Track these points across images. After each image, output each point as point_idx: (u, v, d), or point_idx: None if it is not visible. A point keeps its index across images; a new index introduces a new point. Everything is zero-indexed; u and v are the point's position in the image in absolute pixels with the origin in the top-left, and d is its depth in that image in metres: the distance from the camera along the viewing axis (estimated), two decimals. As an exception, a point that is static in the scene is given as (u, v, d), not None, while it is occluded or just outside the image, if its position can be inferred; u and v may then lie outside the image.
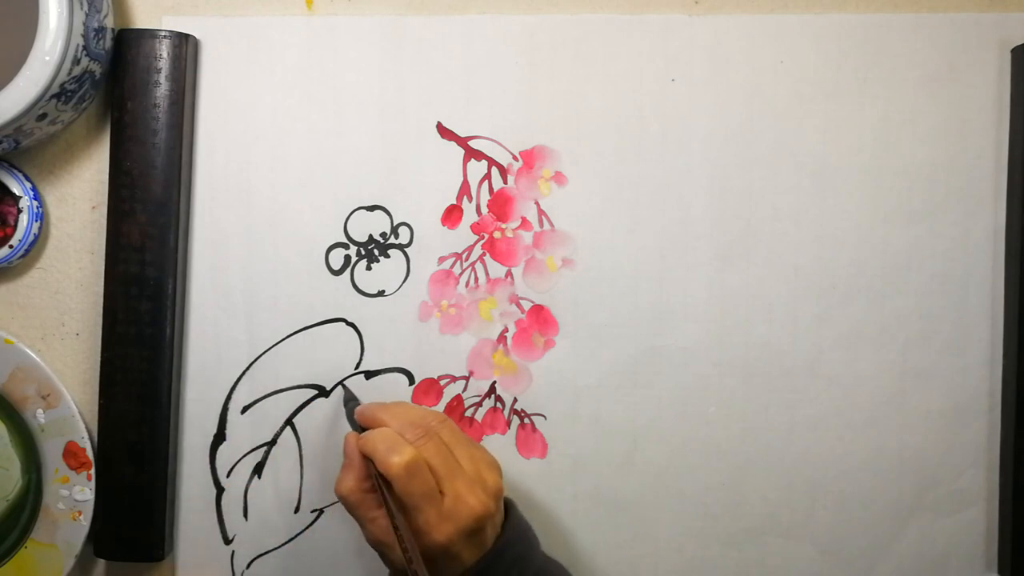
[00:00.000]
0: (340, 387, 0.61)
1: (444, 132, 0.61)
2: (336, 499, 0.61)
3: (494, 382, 0.61)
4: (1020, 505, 0.58)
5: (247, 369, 0.61)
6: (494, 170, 0.61)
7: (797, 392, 0.60)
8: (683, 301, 0.60)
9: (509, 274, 0.61)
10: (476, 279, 0.61)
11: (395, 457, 0.49)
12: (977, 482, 0.59)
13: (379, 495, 0.51)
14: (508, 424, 0.61)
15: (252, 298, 0.61)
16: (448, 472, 0.50)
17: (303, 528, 0.61)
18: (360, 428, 0.55)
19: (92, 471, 0.59)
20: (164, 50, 0.59)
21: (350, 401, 0.59)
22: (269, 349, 0.61)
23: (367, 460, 0.51)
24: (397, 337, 0.61)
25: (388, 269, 0.61)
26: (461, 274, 0.61)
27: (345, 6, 0.62)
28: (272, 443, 0.61)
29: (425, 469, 0.49)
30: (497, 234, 0.61)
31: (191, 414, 0.62)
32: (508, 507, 0.54)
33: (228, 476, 0.61)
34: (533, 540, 0.54)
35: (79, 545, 0.59)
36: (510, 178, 0.61)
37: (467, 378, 0.61)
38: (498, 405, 0.61)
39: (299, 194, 0.61)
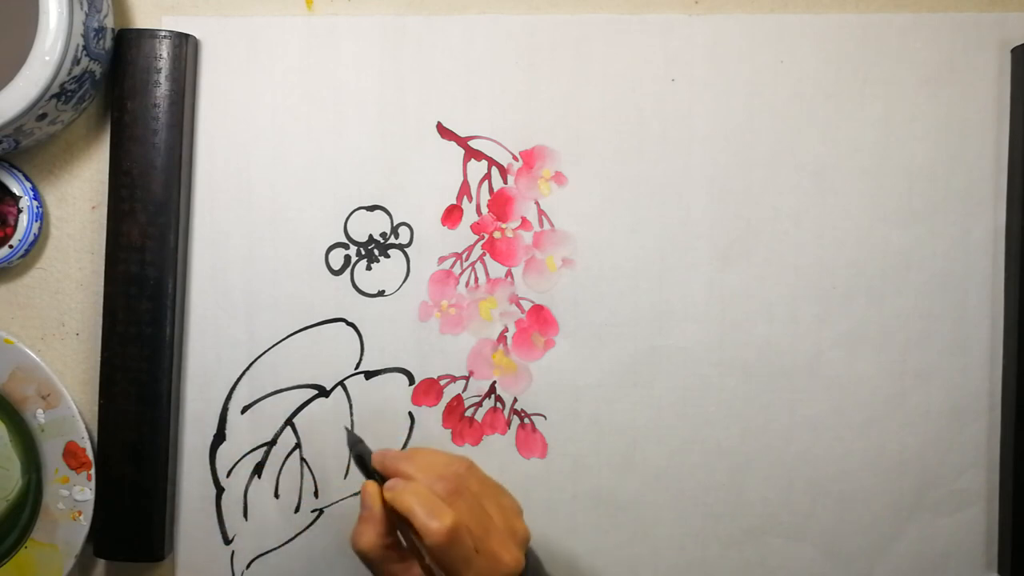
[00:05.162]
0: (346, 431, 0.58)
1: (444, 132, 0.61)
2: (336, 500, 0.61)
3: (494, 382, 0.61)
4: (1020, 505, 0.58)
5: (247, 369, 0.61)
6: (494, 170, 0.61)
7: (797, 392, 0.60)
8: (683, 301, 0.60)
9: (509, 274, 0.61)
10: (476, 279, 0.61)
11: (435, 523, 0.46)
12: (977, 482, 0.59)
13: (405, 552, 0.50)
14: (508, 424, 0.61)
15: (252, 298, 0.61)
16: (483, 531, 0.48)
17: (303, 528, 0.61)
18: (378, 476, 0.52)
19: (92, 471, 0.59)
20: (164, 50, 0.59)
21: (356, 444, 0.55)
22: (269, 349, 0.61)
23: (393, 516, 0.49)
24: (397, 337, 0.61)
25: (388, 269, 0.61)
26: (461, 274, 0.61)
27: (345, 6, 0.62)
28: (272, 443, 0.61)
29: (465, 534, 0.47)
30: (497, 234, 0.61)
31: (191, 414, 0.62)
32: None
33: (228, 476, 0.61)
34: (541, 571, 0.53)
35: (79, 545, 0.59)
36: (510, 178, 0.61)
37: (467, 378, 0.61)
38: (498, 405, 0.61)
39: (299, 194, 0.61)
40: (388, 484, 0.50)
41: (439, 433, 0.61)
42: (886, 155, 0.60)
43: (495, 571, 0.48)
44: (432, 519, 0.47)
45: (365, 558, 0.50)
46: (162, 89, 0.59)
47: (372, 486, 0.51)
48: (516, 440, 0.61)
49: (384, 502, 0.49)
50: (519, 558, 0.49)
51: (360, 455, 0.54)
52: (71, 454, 0.60)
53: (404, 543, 0.51)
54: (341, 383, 0.61)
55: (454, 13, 0.61)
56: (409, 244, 0.61)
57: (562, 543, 0.60)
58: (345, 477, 0.61)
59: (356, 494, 0.61)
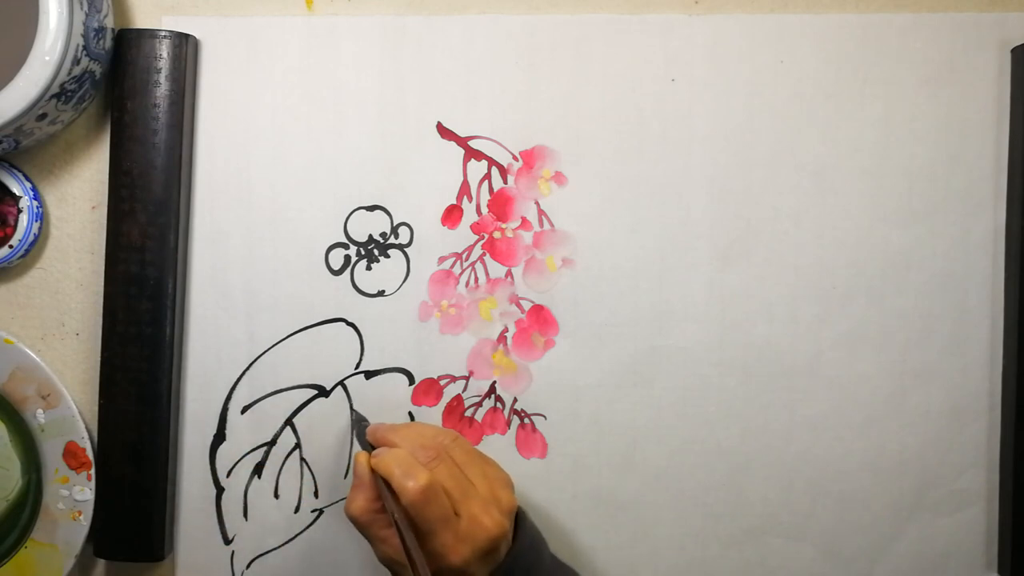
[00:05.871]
0: (350, 410, 0.61)
1: (444, 132, 0.61)
2: (336, 500, 0.61)
3: (494, 382, 0.61)
4: (1020, 505, 0.58)
5: (247, 369, 0.61)
6: (494, 170, 0.61)
7: (797, 392, 0.60)
8: (683, 301, 0.60)
9: (509, 274, 0.61)
10: (476, 279, 0.61)
11: (411, 482, 0.48)
12: (977, 482, 0.60)
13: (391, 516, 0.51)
14: (508, 424, 0.61)
15: (252, 298, 0.61)
16: (462, 494, 0.50)
17: (303, 528, 0.61)
18: (371, 448, 0.55)
19: (92, 471, 0.59)
20: (164, 50, 0.59)
21: (360, 422, 0.59)
22: (269, 349, 0.61)
23: (380, 481, 0.51)
24: (397, 337, 0.61)
25: (388, 269, 0.61)
26: (461, 274, 0.61)
27: (345, 6, 0.62)
28: (272, 443, 0.61)
29: (440, 493, 0.49)
30: (497, 234, 0.61)
31: (191, 414, 0.62)
32: (518, 514, 0.54)
33: (228, 476, 0.61)
34: (542, 547, 0.53)
35: (79, 545, 0.59)
36: (510, 178, 0.61)
37: (467, 378, 0.61)
38: (498, 405, 0.61)
39: (299, 194, 0.61)
40: (374, 452, 0.52)
41: (439, 433, 0.61)
42: (886, 155, 0.60)
43: (475, 534, 0.49)
44: (407, 479, 0.48)
45: (356, 523, 0.52)
46: (162, 89, 0.59)
47: (363, 455, 0.53)
48: (516, 440, 0.61)
49: (372, 470, 0.51)
50: (502, 523, 0.50)
51: (361, 431, 0.57)
52: (71, 454, 0.60)
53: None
54: (341, 383, 0.61)
55: (454, 13, 0.61)
56: (409, 244, 0.61)
57: (562, 543, 0.60)
58: (345, 477, 0.61)
59: (356, 494, 0.61)
